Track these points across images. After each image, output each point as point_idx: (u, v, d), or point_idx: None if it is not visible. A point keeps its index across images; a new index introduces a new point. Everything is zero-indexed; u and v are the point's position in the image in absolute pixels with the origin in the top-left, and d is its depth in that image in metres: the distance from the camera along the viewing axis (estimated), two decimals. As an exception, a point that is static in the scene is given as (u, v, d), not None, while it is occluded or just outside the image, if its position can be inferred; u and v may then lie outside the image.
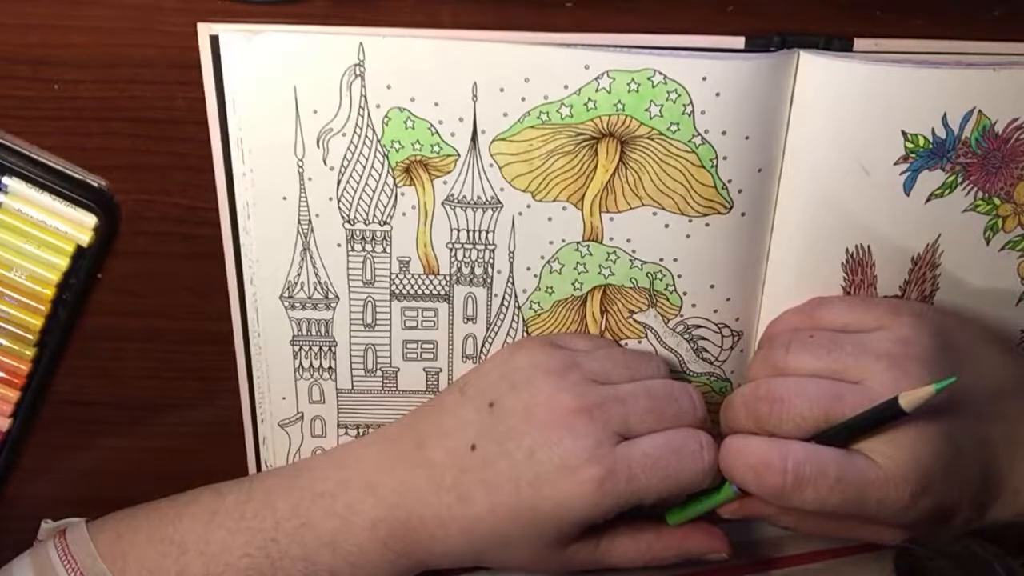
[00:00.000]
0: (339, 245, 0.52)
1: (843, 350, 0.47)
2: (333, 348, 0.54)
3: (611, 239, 0.51)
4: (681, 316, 0.53)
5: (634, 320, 0.53)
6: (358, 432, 0.56)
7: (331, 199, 0.50)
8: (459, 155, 0.49)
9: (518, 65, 0.47)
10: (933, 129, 0.48)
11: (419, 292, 0.53)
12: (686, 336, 0.53)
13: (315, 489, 0.51)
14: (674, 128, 0.48)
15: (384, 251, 0.52)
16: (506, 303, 0.53)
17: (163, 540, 0.51)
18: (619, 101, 0.47)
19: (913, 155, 0.48)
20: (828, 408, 0.46)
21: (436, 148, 0.49)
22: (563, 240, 0.51)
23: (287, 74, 0.47)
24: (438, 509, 0.49)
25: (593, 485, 0.46)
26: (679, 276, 0.51)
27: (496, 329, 0.53)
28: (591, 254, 0.51)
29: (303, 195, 0.50)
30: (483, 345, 0.54)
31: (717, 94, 0.47)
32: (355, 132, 0.49)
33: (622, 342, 0.54)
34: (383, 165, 0.49)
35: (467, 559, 0.50)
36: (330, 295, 0.53)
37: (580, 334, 0.53)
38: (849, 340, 0.48)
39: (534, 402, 0.48)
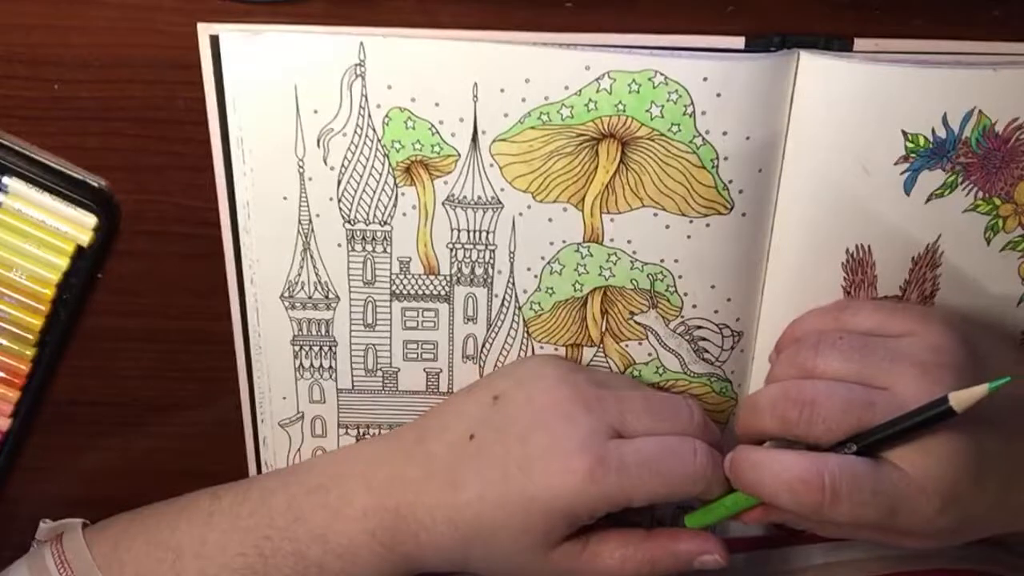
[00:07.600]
0: (339, 245, 0.52)
1: (875, 354, 0.46)
2: (333, 348, 0.54)
3: (612, 240, 0.51)
4: (682, 317, 0.52)
5: (635, 322, 0.53)
6: (358, 432, 0.56)
7: (331, 199, 0.50)
8: (460, 155, 0.49)
9: (518, 66, 0.47)
10: (933, 129, 0.48)
11: (419, 292, 0.53)
12: (687, 337, 0.53)
13: (310, 484, 0.51)
14: (675, 129, 0.48)
15: (384, 251, 0.52)
16: (506, 304, 0.53)
17: (159, 546, 0.51)
18: (620, 102, 0.47)
19: (913, 155, 0.48)
20: (860, 414, 0.45)
21: (436, 148, 0.49)
22: (564, 241, 0.51)
23: (287, 74, 0.47)
24: (427, 497, 0.49)
25: (583, 473, 0.46)
26: (680, 277, 0.51)
27: (496, 330, 0.53)
28: (591, 255, 0.51)
29: (303, 195, 0.50)
30: (483, 345, 0.54)
31: (718, 95, 0.47)
32: (355, 132, 0.49)
33: (622, 344, 0.54)
34: (383, 165, 0.49)
35: (455, 553, 0.50)
36: (330, 295, 0.53)
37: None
38: (881, 345, 0.47)
39: (535, 391, 0.50)
